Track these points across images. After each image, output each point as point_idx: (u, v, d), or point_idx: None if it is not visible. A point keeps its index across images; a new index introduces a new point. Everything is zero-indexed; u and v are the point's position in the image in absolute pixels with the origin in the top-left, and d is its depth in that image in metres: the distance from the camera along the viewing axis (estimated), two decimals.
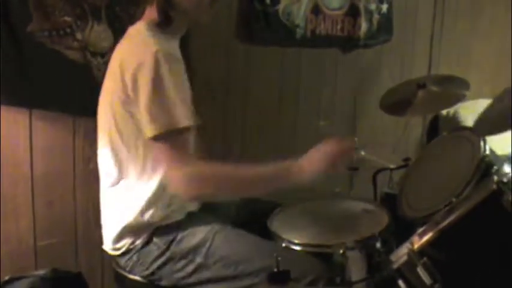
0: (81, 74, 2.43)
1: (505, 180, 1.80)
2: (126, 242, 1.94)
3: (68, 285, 2.32)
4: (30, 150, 2.44)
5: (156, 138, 1.74)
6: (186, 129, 1.75)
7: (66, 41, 2.43)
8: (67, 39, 2.43)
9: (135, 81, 1.76)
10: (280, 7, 3.12)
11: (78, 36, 2.45)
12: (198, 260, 1.87)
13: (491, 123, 2.00)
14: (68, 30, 2.43)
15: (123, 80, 1.79)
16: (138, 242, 1.92)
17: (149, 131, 1.74)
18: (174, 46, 1.92)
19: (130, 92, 1.78)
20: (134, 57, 1.79)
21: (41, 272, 2.29)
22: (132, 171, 1.89)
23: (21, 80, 2.34)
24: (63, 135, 2.49)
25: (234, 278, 1.85)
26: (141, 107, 1.75)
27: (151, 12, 1.89)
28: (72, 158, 2.51)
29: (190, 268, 1.89)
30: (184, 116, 1.74)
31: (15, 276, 2.27)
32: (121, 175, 1.92)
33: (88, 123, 2.37)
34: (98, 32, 2.48)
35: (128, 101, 1.80)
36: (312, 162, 1.87)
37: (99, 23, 2.49)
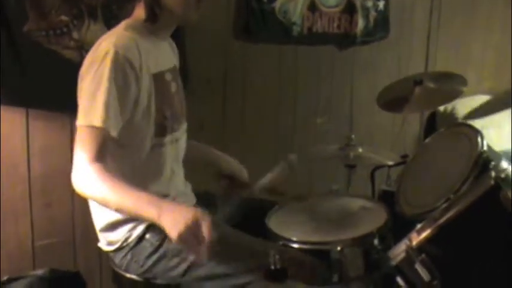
0: (77, 72, 2.41)
1: (502, 175, 1.80)
2: (118, 238, 1.94)
3: (66, 285, 2.33)
4: (28, 151, 2.44)
5: (79, 128, 1.76)
6: (103, 129, 1.73)
7: (63, 41, 2.44)
8: (64, 38, 2.43)
9: (84, 73, 1.82)
10: (277, 5, 3.12)
11: (75, 35, 2.45)
12: (192, 257, 1.86)
13: None
14: (65, 29, 2.43)
15: (80, 72, 1.86)
16: (131, 238, 1.92)
17: (79, 119, 1.76)
18: (153, 45, 1.93)
19: (79, 80, 1.85)
20: (94, 51, 1.84)
21: (39, 272, 2.30)
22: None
23: (18, 80, 2.34)
24: (61, 134, 2.49)
25: (228, 275, 1.85)
26: (81, 94, 1.81)
27: (139, 10, 1.92)
28: (70, 157, 2.48)
29: (183, 266, 1.88)
30: (102, 118, 1.72)
31: (13, 276, 2.27)
32: None
33: None
34: (94, 31, 2.48)
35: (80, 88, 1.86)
36: (177, 221, 1.59)
37: (96, 22, 2.49)
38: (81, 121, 1.76)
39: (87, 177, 1.69)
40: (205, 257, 1.59)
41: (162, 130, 1.94)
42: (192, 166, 2.16)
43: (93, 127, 1.73)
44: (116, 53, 1.76)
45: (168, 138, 1.97)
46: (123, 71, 1.78)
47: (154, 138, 1.92)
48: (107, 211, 1.88)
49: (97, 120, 1.72)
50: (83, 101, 1.78)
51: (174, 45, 2.17)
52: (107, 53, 1.76)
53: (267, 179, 2.28)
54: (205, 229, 1.57)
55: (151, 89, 1.89)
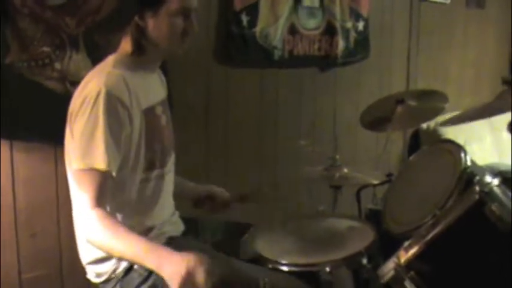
0: (61, 103, 2.38)
1: (486, 190, 1.82)
2: (107, 270, 1.92)
3: None
4: (12, 181, 2.41)
5: (79, 172, 1.76)
6: (105, 172, 1.74)
7: (45, 72, 2.41)
8: (46, 69, 2.41)
9: (75, 108, 1.81)
10: (257, 29, 3.14)
11: (57, 66, 2.43)
12: None
13: None
14: (47, 60, 2.41)
15: (70, 110, 1.86)
16: (120, 270, 1.90)
17: (75, 163, 1.76)
18: (142, 79, 1.94)
19: (69, 120, 1.85)
20: (84, 89, 1.83)
21: None
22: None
23: (1, 112, 2.32)
24: (45, 165, 2.47)
25: None
26: (75, 137, 1.79)
27: (125, 43, 1.92)
28: (55, 188, 2.49)
29: None
30: (104, 160, 1.73)
31: None
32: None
33: None
34: (76, 61, 2.46)
35: (70, 128, 1.85)
36: (175, 272, 1.60)
37: (78, 52, 2.47)
38: (80, 165, 1.75)
39: (90, 224, 1.70)
40: None
41: (150, 165, 1.94)
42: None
43: (93, 170, 1.73)
44: (108, 93, 1.76)
45: (155, 173, 1.97)
46: (116, 111, 1.78)
47: (142, 173, 1.92)
48: (92, 250, 1.89)
49: (99, 163, 1.72)
50: (78, 143, 1.77)
51: (162, 76, 2.18)
52: (98, 94, 1.76)
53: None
54: (200, 278, 1.57)
55: (142, 125, 1.89)
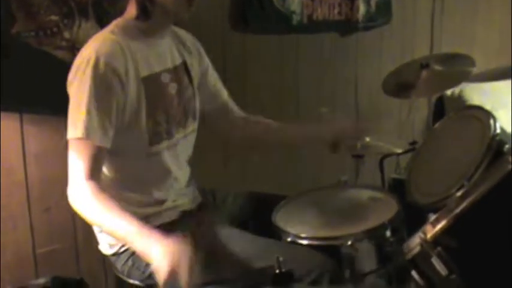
0: None
1: None
2: (117, 241, 1.89)
3: None
4: (23, 156, 2.40)
5: (70, 141, 1.75)
6: (91, 142, 1.72)
7: (54, 41, 2.37)
8: (55, 38, 2.37)
9: (71, 80, 1.79)
10: None
11: (66, 35, 2.39)
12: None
13: None
14: (55, 29, 2.37)
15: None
16: None
17: (68, 132, 1.75)
18: (149, 46, 1.90)
19: (67, 87, 1.82)
20: (79, 54, 1.81)
21: (41, 280, 2.27)
22: (108, 169, 1.90)
23: (9, 84, 2.27)
24: (56, 138, 2.43)
25: (234, 279, 1.78)
26: (69, 105, 1.77)
27: (131, 8, 1.87)
28: (67, 160, 2.44)
29: None
30: (85, 130, 1.71)
31: (15, 286, 2.25)
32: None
33: None
34: (86, 30, 2.41)
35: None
36: (161, 263, 1.56)
37: (87, 20, 2.43)
38: (69, 134, 1.75)
39: (81, 196, 1.70)
40: None
41: (156, 137, 1.90)
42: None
43: (81, 139, 1.71)
44: (97, 60, 1.73)
45: (163, 145, 1.92)
46: (105, 79, 1.74)
47: (148, 147, 1.88)
48: None
49: (81, 132, 1.70)
50: (70, 111, 1.76)
51: (184, 41, 2.10)
52: (88, 61, 1.74)
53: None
54: (183, 268, 1.53)
55: (141, 94, 1.84)
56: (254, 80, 3.11)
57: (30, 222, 2.44)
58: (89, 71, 1.72)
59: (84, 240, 2.54)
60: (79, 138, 1.71)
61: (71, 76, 1.79)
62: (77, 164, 1.72)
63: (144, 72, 1.85)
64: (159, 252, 1.55)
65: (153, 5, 1.83)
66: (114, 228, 1.67)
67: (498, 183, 1.70)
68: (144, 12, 1.84)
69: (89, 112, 1.71)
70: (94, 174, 1.72)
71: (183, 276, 1.52)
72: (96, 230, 1.98)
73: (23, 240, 2.44)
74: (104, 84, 1.73)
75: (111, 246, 1.94)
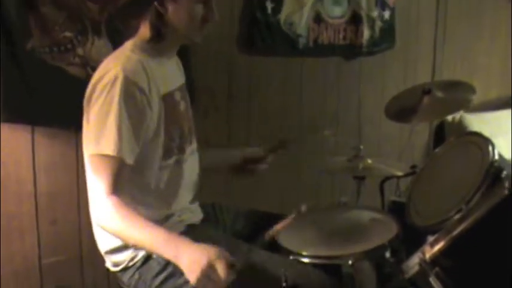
0: (83, 89, 2.38)
1: None
2: (124, 258, 1.91)
3: None
4: (33, 168, 2.43)
5: (93, 157, 1.75)
6: (119, 159, 1.73)
7: (67, 57, 2.42)
8: (68, 55, 2.42)
9: (92, 92, 1.79)
10: (282, 17, 3.11)
11: (79, 51, 2.44)
12: None
13: None
14: (69, 45, 2.42)
15: (86, 95, 1.84)
16: (138, 258, 1.89)
17: (89, 148, 1.76)
18: (160, 65, 1.92)
19: (85, 104, 1.82)
20: (101, 70, 1.82)
21: None
22: None
23: (23, 97, 2.33)
24: (66, 151, 2.47)
25: None
26: (90, 121, 1.78)
27: (144, 29, 1.89)
28: (76, 174, 2.49)
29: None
30: (116, 147, 1.72)
31: None
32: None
33: None
34: (98, 47, 2.47)
35: (86, 112, 1.83)
36: (194, 263, 1.59)
37: (100, 38, 2.48)
38: (93, 149, 1.75)
39: (105, 212, 1.71)
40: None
41: (168, 151, 1.93)
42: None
43: (107, 156, 1.72)
44: (126, 78, 1.74)
45: (173, 159, 1.95)
46: (133, 97, 1.76)
47: (160, 160, 1.91)
48: (109, 238, 1.89)
49: (110, 149, 1.71)
50: (92, 127, 1.76)
51: (179, 62, 2.15)
52: (115, 79, 1.74)
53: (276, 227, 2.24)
54: (221, 271, 1.57)
55: (161, 111, 1.88)
56: (260, 101, 3.16)
57: (37, 233, 2.47)
58: (116, 89, 1.73)
59: (89, 253, 2.55)
60: (103, 155, 1.72)
61: (91, 93, 1.80)
62: (100, 179, 1.71)
63: (163, 91, 1.89)
64: (190, 259, 1.58)
65: (166, 28, 1.86)
66: (142, 241, 1.68)
67: (495, 207, 1.74)
68: (157, 35, 1.86)
69: (118, 129, 1.71)
70: (117, 188, 1.72)
71: (220, 277, 1.55)
72: (101, 249, 1.99)
73: (30, 250, 2.46)
74: (132, 102, 1.75)
75: (116, 264, 1.96)
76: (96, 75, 1.84)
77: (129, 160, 1.75)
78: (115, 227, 1.70)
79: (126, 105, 1.73)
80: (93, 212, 1.74)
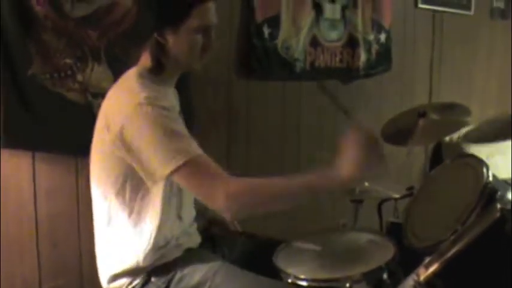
0: (82, 115, 2.43)
1: (508, 207, 1.79)
2: (123, 283, 1.92)
3: None
4: (34, 192, 2.44)
5: (175, 172, 1.71)
6: (198, 155, 1.73)
7: (67, 83, 2.45)
8: (68, 81, 2.45)
9: (123, 133, 1.76)
10: (279, 42, 3.15)
11: (79, 77, 2.46)
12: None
13: None
14: (69, 72, 2.44)
15: (108, 128, 1.81)
16: (136, 282, 1.90)
17: (164, 169, 1.71)
18: (164, 94, 1.91)
19: (118, 141, 1.77)
20: (121, 107, 1.79)
21: None
22: (120, 213, 1.89)
23: (23, 123, 2.35)
24: (67, 176, 2.50)
25: None
26: (143, 156, 1.74)
27: (145, 58, 1.90)
28: (76, 198, 2.51)
29: None
30: (193, 145, 1.75)
31: None
32: (111, 217, 1.91)
33: None
34: (98, 73, 2.50)
35: (117, 148, 1.79)
36: (350, 163, 1.73)
37: (99, 64, 2.50)
38: (165, 169, 1.71)
39: (243, 193, 1.71)
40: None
41: None
42: None
43: (190, 160, 1.71)
44: (148, 99, 1.74)
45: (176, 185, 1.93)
46: (163, 112, 1.76)
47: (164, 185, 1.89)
48: (110, 265, 1.91)
49: (182, 155, 1.70)
50: (156, 153, 1.73)
51: (175, 90, 2.14)
52: (140, 103, 1.73)
53: None
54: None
55: None
56: (257, 124, 3.18)
57: (37, 257, 2.47)
58: (146, 111, 1.72)
59: (90, 276, 2.55)
60: (188, 161, 1.70)
61: (126, 123, 1.75)
62: (205, 178, 1.72)
63: None
64: (348, 159, 1.72)
65: (167, 59, 1.87)
66: (297, 191, 1.75)
67: (489, 229, 1.77)
68: (158, 65, 1.87)
69: (170, 138, 1.72)
70: (223, 176, 1.72)
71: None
72: (103, 284, 1.99)
73: (30, 274, 2.47)
74: (164, 115, 1.75)
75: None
76: (116, 115, 1.80)
77: (200, 150, 1.75)
78: (260, 200, 1.73)
79: (162, 119, 1.74)
80: (226, 207, 1.70)
